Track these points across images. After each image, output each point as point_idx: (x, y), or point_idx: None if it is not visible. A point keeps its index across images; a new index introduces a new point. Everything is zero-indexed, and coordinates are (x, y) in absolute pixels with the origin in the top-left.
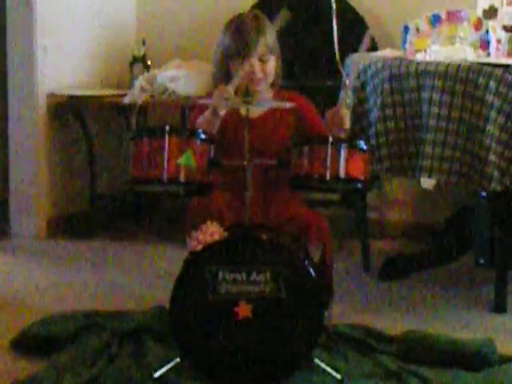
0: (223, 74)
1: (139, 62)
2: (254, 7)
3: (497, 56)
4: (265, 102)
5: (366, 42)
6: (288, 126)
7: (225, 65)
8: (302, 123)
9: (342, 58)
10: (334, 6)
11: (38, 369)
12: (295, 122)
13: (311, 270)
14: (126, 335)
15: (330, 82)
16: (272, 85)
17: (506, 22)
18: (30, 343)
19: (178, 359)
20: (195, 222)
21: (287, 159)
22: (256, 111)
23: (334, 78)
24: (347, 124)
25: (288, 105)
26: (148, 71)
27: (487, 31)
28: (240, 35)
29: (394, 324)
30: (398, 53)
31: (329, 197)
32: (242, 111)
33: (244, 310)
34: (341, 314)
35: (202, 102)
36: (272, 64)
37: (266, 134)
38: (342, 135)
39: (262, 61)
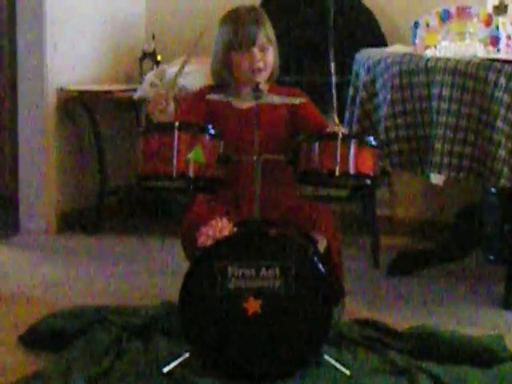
0: (225, 67)
1: (149, 57)
2: (262, 3)
3: (507, 52)
4: (274, 97)
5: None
6: (279, 118)
7: (226, 57)
8: (297, 118)
9: (352, 54)
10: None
11: (47, 364)
12: (288, 116)
13: (320, 266)
14: (134, 330)
15: (338, 78)
16: (268, 78)
17: None
18: (39, 338)
19: (187, 354)
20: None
21: (295, 155)
22: (246, 103)
23: (342, 74)
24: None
25: (298, 100)
26: (158, 66)
27: (497, 27)
28: (240, 27)
29: (403, 320)
30: (407, 48)
31: (338, 193)
32: (236, 103)
33: (253, 305)
34: (350, 309)
35: (211, 97)
36: (272, 55)
37: (259, 124)
38: None
39: (263, 50)
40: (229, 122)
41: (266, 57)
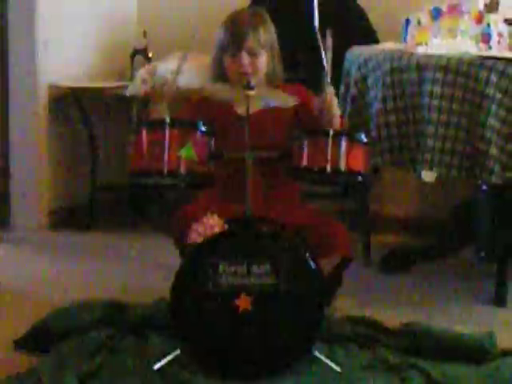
0: (218, 68)
1: (140, 54)
2: (252, 1)
3: (498, 49)
4: (267, 100)
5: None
6: (285, 121)
7: (220, 59)
8: (303, 117)
9: (343, 52)
10: None
11: (39, 361)
12: (294, 117)
13: (311, 263)
14: (127, 328)
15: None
16: (270, 82)
17: (508, 16)
18: (33, 336)
19: (178, 351)
20: (182, 228)
21: (288, 153)
22: (251, 108)
23: (333, 71)
24: (336, 108)
25: (291, 103)
26: (149, 63)
27: (488, 25)
28: (232, 29)
29: (394, 317)
30: (399, 46)
31: (329, 190)
32: (238, 109)
33: (244, 302)
34: (342, 306)
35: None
36: (263, 59)
37: (263, 130)
38: (337, 123)
39: (252, 55)
40: (231, 128)
41: (256, 61)
